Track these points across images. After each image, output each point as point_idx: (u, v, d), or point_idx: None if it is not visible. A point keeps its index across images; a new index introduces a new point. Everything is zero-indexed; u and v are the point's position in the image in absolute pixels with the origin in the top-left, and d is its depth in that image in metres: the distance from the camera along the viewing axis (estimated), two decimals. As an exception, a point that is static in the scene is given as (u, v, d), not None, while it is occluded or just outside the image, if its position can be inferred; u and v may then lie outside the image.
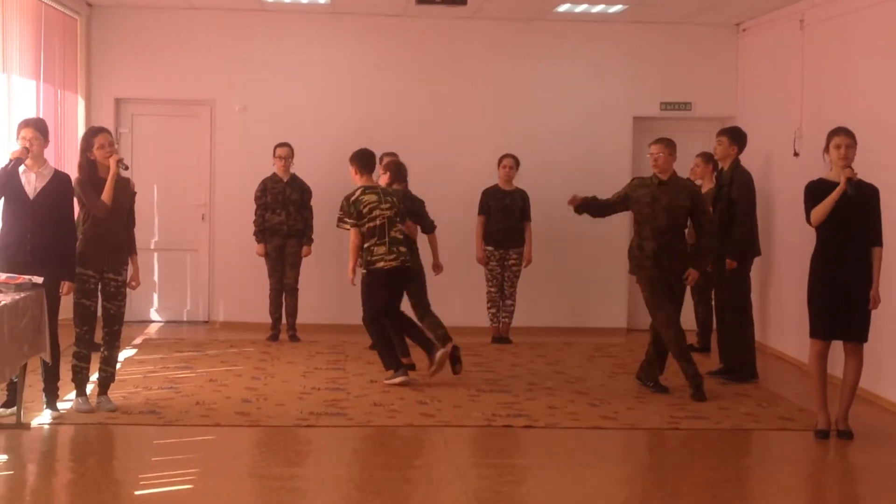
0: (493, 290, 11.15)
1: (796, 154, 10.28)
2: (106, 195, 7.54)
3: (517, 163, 11.05)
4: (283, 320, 10.96)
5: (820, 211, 7.32)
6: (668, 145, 8.72)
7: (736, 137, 9.55)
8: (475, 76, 12.04)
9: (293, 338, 10.87)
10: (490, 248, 11.03)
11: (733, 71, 12.16)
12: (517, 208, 11.05)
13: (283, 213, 10.72)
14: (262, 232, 10.79)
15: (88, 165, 7.64)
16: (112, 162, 7.58)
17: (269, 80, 11.88)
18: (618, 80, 12.19)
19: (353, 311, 11.62)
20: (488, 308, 11.20)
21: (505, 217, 10.99)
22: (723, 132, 9.64)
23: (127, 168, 7.78)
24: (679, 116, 12.24)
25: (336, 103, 11.94)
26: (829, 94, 9.78)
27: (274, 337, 10.80)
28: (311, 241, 10.86)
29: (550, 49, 12.09)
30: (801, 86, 10.32)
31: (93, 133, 7.75)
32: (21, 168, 7.36)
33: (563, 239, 11.92)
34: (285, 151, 10.82)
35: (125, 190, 7.79)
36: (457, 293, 11.64)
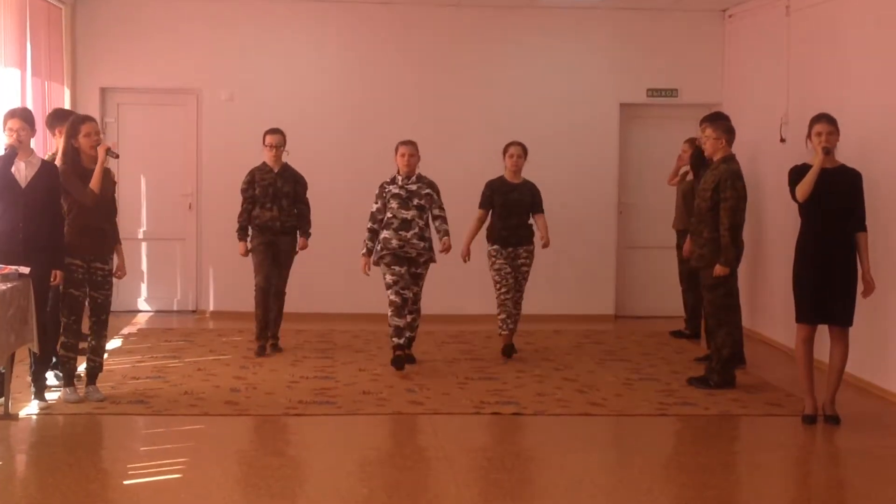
0: (503, 292, 9.52)
1: (783, 140, 10.30)
2: (94, 183, 7.53)
3: (525, 151, 9.72)
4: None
5: (804, 186, 7.34)
6: (717, 128, 8.61)
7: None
8: (462, 64, 12.02)
9: (275, 346, 9.77)
10: (496, 246, 9.57)
11: (720, 57, 12.17)
12: (525, 203, 9.64)
13: (274, 208, 9.52)
14: (245, 229, 9.64)
15: (72, 153, 7.63)
16: (101, 151, 7.56)
17: (256, 68, 11.84)
18: (604, 67, 12.19)
19: (340, 300, 11.70)
20: (498, 315, 9.63)
21: (511, 213, 9.59)
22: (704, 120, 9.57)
23: (118, 157, 7.73)
24: (665, 103, 12.24)
25: (323, 91, 11.92)
26: (815, 80, 9.80)
27: (261, 350, 9.59)
28: (308, 234, 9.75)
29: (537, 36, 12.08)
30: (787, 72, 10.34)
31: (79, 121, 7.73)
32: (9, 158, 7.37)
33: (551, 226, 11.86)
34: (276, 139, 9.64)
35: (106, 179, 7.76)
36: (445, 283, 11.65)
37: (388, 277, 8.94)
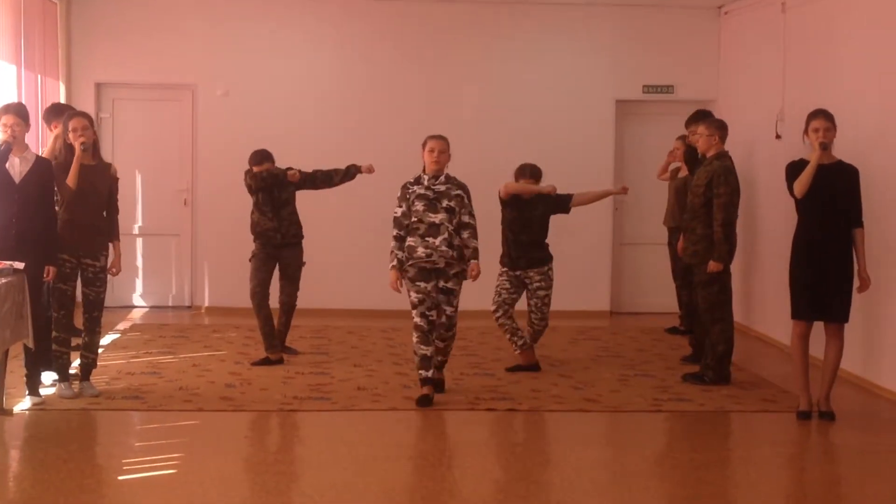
0: (493, 310, 8.94)
1: (778, 136, 10.30)
2: (70, 178, 7.50)
3: (537, 174, 9.02)
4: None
5: (801, 181, 7.34)
6: (710, 125, 8.67)
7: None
8: (458, 60, 12.01)
9: (287, 349, 9.37)
10: (505, 269, 9.00)
11: (715, 54, 12.17)
12: (537, 217, 8.98)
13: (274, 219, 9.06)
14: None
15: (65, 149, 7.62)
16: (77, 145, 7.53)
17: (252, 63, 11.82)
18: (600, 64, 12.18)
19: (335, 296, 11.69)
20: (502, 328, 9.01)
21: (523, 229, 8.91)
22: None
23: (85, 150, 7.60)
24: (661, 99, 12.24)
25: (319, 86, 11.91)
26: (810, 77, 9.80)
27: (265, 361, 8.99)
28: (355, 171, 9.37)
29: (532, 32, 12.07)
30: (782, 68, 10.34)
31: (68, 117, 7.76)
32: (3, 154, 7.36)
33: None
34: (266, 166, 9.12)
35: (102, 174, 7.73)
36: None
37: (413, 296, 7.73)
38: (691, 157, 9.56)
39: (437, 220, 7.69)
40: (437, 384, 7.92)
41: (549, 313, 9.16)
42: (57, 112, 8.57)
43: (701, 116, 9.40)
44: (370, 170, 9.29)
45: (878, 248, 8.07)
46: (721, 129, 8.66)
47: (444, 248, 7.66)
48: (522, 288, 9.05)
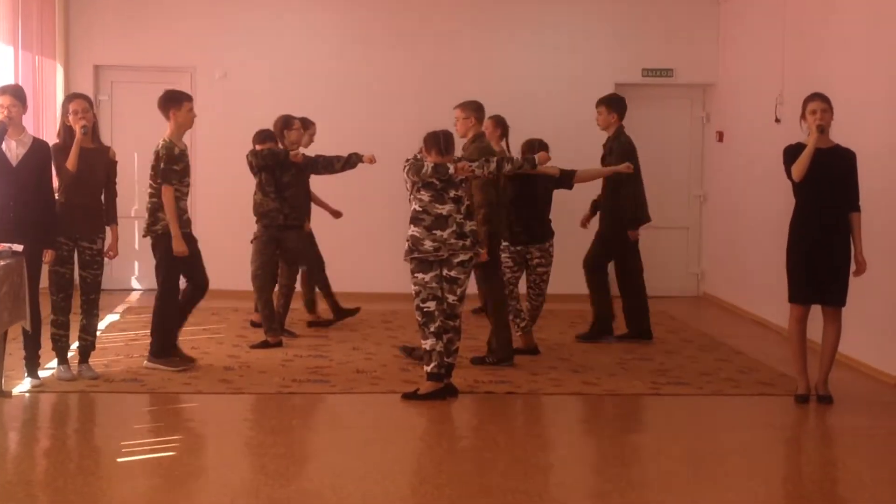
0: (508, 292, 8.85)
1: (777, 120, 10.29)
2: (70, 161, 7.49)
3: (546, 150, 8.62)
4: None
5: (799, 164, 7.32)
6: (466, 108, 8.52)
7: (614, 105, 9.49)
8: (457, 43, 12.01)
9: (286, 332, 9.41)
10: (506, 244, 8.81)
11: (715, 37, 12.16)
12: (539, 192, 8.98)
13: (277, 199, 9.08)
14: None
15: (66, 132, 7.62)
16: (77, 128, 7.52)
17: (251, 46, 11.81)
18: (599, 47, 12.17)
19: (334, 278, 11.66)
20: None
21: (525, 203, 8.91)
22: (601, 101, 9.56)
23: (86, 133, 7.59)
24: (660, 83, 12.23)
25: (319, 69, 11.90)
26: (810, 60, 9.79)
27: (264, 345, 9.00)
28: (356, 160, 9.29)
29: (532, 15, 12.05)
30: (782, 51, 10.32)
31: (69, 99, 7.78)
32: (1, 136, 7.34)
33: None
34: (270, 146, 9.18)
35: (100, 157, 7.73)
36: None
37: (412, 286, 7.35)
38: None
39: (444, 212, 7.24)
40: (450, 388, 7.46)
41: (546, 290, 9.17)
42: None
43: (600, 101, 9.46)
44: (372, 160, 9.21)
45: (875, 231, 8.06)
46: (478, 111, 8.54)
47: (453, 240, 7.24)
48: (524, 265, 9.04)
